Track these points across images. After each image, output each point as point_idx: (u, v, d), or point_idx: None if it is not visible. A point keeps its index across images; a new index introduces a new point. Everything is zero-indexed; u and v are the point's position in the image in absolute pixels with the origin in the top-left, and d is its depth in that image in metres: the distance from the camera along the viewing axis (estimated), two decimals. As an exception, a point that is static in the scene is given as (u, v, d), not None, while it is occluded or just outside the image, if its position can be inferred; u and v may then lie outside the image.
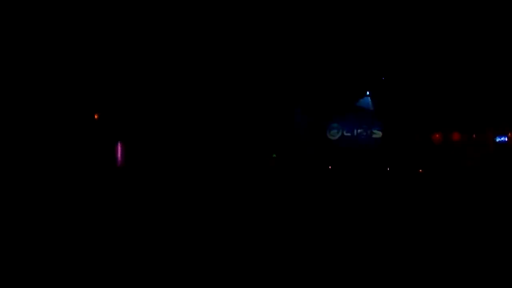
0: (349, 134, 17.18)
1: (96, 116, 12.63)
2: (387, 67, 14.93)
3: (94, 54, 12.16)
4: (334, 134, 17.05)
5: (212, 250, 6.52)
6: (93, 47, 12.02)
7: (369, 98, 15.47)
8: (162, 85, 13.72)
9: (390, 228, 8.21)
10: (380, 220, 8.90)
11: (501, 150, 14.89)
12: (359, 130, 17.28)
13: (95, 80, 12.52)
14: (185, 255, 6.28)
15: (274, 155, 14.49)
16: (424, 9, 13.09)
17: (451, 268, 5.94)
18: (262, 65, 14.55)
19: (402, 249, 6.82)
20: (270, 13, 12.99)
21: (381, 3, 13.19)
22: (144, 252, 6.37)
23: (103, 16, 11.48)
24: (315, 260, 6.22)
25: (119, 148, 13.19)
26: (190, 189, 11.41)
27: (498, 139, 15.38)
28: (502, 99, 14.76)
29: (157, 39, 12.95)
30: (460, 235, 7.69)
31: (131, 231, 7.49)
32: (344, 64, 14.96)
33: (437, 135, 15.96)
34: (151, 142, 13.44)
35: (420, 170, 14.76)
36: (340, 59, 14.83)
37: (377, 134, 17.42)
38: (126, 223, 8.04)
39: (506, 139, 15.28)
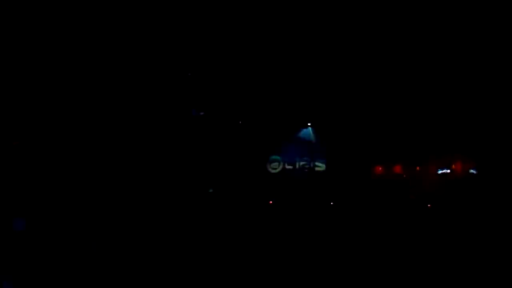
0: (290, 167, 16.54)
1: None
2: (328, 97, 14.56)
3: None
4: (275, 167, 16.37)
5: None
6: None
7: (310, 129, 14.90)
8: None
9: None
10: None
11: (444, 183, 14.65)
12: (301, 163, 16.68)
13: None
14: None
15: (211, 190, 13.61)
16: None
17: None
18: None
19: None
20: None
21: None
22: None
23: None
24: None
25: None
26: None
27: (440, 171, 15.20)
28: (444, 131, 14.71)
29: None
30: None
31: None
32: (285, 93, 14.53)
33: (379, 168, 15.62)
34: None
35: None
36: (279, 89, 14.40)
37: (321, 167, 16.86)
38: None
39: (449, 171, 15.12)
